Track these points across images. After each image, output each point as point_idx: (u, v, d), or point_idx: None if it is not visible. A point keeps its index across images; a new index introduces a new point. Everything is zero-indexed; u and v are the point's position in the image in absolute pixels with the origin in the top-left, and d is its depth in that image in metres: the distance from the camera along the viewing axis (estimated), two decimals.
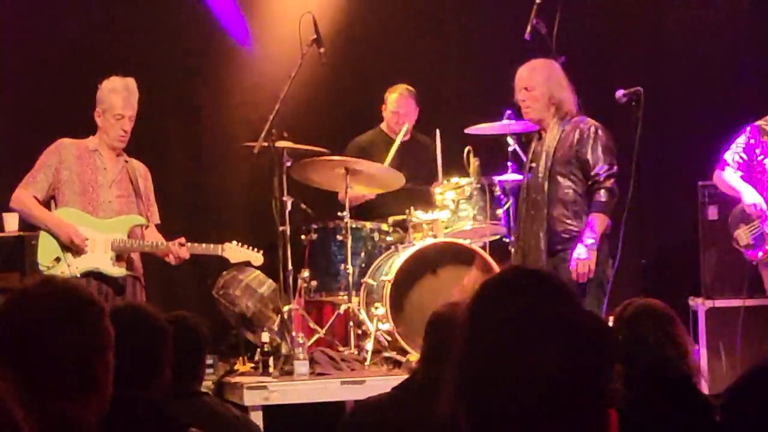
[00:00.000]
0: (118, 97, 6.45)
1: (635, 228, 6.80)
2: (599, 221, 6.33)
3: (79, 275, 6.34)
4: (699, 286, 7.53)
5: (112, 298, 6.36)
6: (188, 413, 3.91)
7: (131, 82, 6.53)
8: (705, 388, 7.23)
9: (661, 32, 8.79)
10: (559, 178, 6.39)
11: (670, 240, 8.61)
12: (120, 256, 6.48)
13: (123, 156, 6.62)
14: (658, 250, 8.47)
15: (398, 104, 7.98)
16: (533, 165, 6.53)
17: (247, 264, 6.97)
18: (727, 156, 7.11)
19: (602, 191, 6.33)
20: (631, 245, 6.88)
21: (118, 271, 6.45)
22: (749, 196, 6.99)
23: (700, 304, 7.39)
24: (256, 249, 6.86)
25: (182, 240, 6.59)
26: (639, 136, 6.70)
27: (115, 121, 6.46)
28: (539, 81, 6.49)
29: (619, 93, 6.84)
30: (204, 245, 6.79)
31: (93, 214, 6.44)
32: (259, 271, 7.24)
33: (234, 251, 6.78)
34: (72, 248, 6.35)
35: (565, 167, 6.39)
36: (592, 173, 6.35)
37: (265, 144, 6.97)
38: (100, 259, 6.41)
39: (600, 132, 6.42)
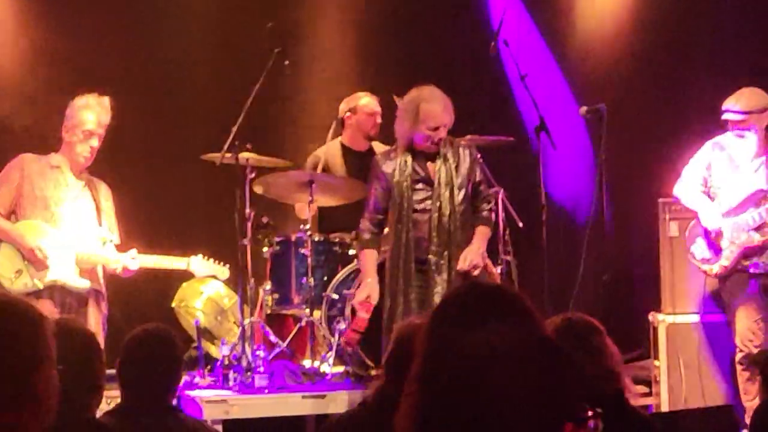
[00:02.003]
0: (90, 113, 6.39)
1: (597, 243, 6.82)
2: (487, 235, 6.53)
3: (41, 287, 6.30)
4: (659, 301, 7.56)
5: (75, 311, 6.31)
6: (164, 429, 3.86)
7: (106, 101, 6.45)
8: (667, 405, 7.28)
9: (622, 49, 8.84)
10: (470, 202, 6.47)
11: (631, 256, 8.65)
12: (83, 269, 6.42)
13: (85, 174, 6.56)
14: (619, 265, 8.51)
15: (374, 106, 7.89)
16: (418, 187, 6.45)
17: (212, 277, 6.93)
18: (685, 171, 7.16)
19: (490, 209, 6.60)
20: (592, 260, 6.90)
21: (81, 283, 6.39)
22: (705, 216, 7.06)
23: (660, 320, 7.43)
24: (221, 263, 6.82)
25: (133, 253, 6.55)
26: (601, 152, 6.74)
27: (83, 137, 6.39)
28: (450, 113, 6.41)
29: (582, 110, 6.88)
30: (169, 258, 6.75)
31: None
32: (220, 283, 7.20)
33: (200, 265, 6.73)
34: (34, 261, 6.29)
35: (469, 189, 6.47)
36: (485, 195, 6.59)
37: (229, 156, 6.95)
38: (62, 271, 6.35)
39: (479, 154, 6.63)
